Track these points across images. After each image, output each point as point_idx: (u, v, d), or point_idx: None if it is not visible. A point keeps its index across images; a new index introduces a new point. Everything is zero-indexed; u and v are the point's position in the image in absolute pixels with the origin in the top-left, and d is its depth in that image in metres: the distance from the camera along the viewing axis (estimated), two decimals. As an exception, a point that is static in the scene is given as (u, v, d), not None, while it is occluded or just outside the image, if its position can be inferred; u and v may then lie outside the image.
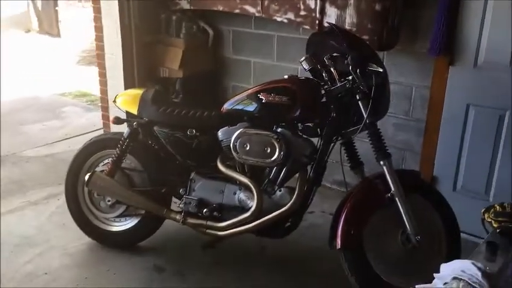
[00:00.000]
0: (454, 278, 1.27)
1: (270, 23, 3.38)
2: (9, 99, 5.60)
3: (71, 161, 2.73)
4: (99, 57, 3.89)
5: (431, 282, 1.36)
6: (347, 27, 2.80)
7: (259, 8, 3.17)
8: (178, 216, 2.50)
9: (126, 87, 3.58)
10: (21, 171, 3.75)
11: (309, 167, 2.31)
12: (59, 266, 2.60)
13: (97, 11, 3.73)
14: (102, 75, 3.90)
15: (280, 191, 2.34)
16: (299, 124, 2.30)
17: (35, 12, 10.22)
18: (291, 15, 3.05)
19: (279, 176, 2.32)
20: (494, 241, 1.49)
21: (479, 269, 1.27)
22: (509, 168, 2.70)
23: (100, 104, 4.22)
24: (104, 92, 3.98)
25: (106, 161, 2.66)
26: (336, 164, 2.53)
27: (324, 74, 2.22)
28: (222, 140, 2.36)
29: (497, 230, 1.61)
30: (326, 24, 2.84)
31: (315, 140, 2.30)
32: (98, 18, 3.75)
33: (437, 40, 2.69)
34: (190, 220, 2.48)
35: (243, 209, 2.38)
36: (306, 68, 2.26)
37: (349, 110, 2.22)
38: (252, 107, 2.28)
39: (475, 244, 2.22)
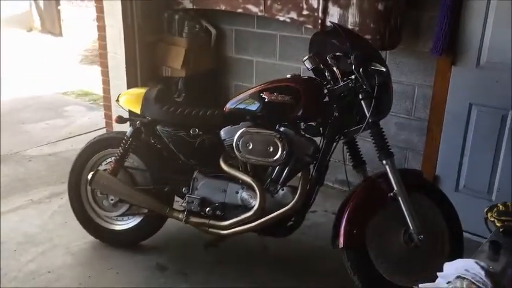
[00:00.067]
0: (458, 277, 1.27)
1: (272, 22, 3.39)
2: (12, 98, 5.61)
3: (74, 160, 2.74)
4: (101, 57, 3.90)
5: (434, 281, 1.36)
6: (349, 26, 2.81)
7: (261, 8, 3.17)
8: (180, 215, 2.50)
9: (129, 86, 3.58)
10: (24, 170, 3.76)
11: (311, 166, 2.32)
12: (62, 264, 2.61)
13: (100, 10, 3.74)
14: (105, 74, 3.90)
15: (282, 190, 2.34)
16: (302, 123, 2.30)
17: (37, 11, 10.22)
18: (293, 15, 3.05)
19: (282, 175, 2.33)
20: (497, 240, 1.49)
21: (482, 268, 1.27)
22: (512, 167, 2.71)
23: (102, 103, 4.23)
24: (106, 91, 3.99)
25: (109, 159, 2.67)
26: (338, 163, 2.53)
27: (326, 74, 2.23)
28: (224, 139, 2.37)
29: (501, 230, 1.62)
30: (329, 24, 2.84)
31: (317, 139, 2.31)
32: (100, 18, 3.75)
33: (440, 40, 2.69)
34: (193, 219, 2.48)
35: (246, 208, 2.39)
36: (309, 67, 2.27)
37: (351, 109, 2.22)
38: (254, 106, 2.29)
39: (477, 243, 2.22)
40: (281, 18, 3.12)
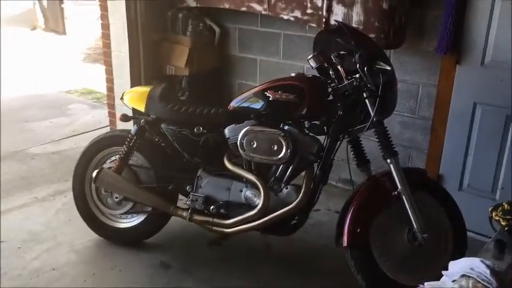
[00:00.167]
0: (463, 276, 1.28)
1: (276, 21, 3.38)
2: (15, 96, 5.63)
3: (79, 158, 2.74)
4: (105, 55, 3.91)
5: (439, 280, 1.37)
6: (354, 25, 2.80)
7: (265, 6, 3.17)
8: (185, 213, 2.51)
9: (133, 84, 3.59)
10: (28, 168, 3.77)
11: (315, 165, 2.32)
12: (66, 262, 2.61)
13: (104, 8, 3.74)
14: (109, 72, 3.91)
15: (286, 188, 2.34)
16: (306, 122, 2.31)
17: (40, 10, 10.25)
18: (297, 13, 3.05)
19: (286, 173, 2.33)
20: (502, 239, 1.49)
21: (487, 266, 1.27)
22: (516, 167, 2.70)
23: (106, 102, 4.24)
24: (110, 89, 3.99)
25: (113, 158, 2.68)
26: (342, 162, 2.54)
27: (331, 72, 2.22)
28: (229, 138, 2.37)
29: (506, 228, 1.62)
30: (333, 22, 2.84)
31: (321, 138, 2.31)
32: (104, 16, 3.76)
33: (445, 39, 2.68)
34: (197, 217, 2.49)
35: (250, 206, 2.39)
36: (313, 65, 2.26)
37: (356, 108, 2.22)
38: (259, 105, 2.29)
39: (480, 242, 2.22)
40: (285, 17, 3.12)
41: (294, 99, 2.21)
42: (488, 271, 1.26)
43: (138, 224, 2.71)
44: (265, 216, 2.33)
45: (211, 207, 2.44)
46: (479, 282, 1.24)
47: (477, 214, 2.15)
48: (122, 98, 2.68)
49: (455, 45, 2.73)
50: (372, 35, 2.71)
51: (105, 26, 3.78)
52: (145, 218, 2.70)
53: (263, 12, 3.22)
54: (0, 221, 2.97)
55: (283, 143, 2.23)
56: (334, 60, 2.19)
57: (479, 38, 2.72)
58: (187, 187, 2.53)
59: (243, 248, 2.75)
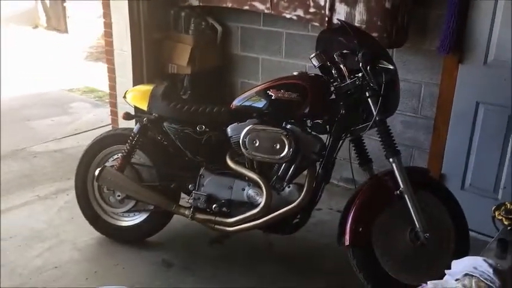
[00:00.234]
0: (466, 275, 1.28)
1: (278, 19, 3.38)
2: (17, 95, 5.63)
3: (81, 156, 2.75)
4: (108, 53, 3.91)
5: (441, 279, 1.37)
6: (356, 24, 2.80)
7: (268, 5, 3.17)
8: (187, 212, 2.51)
9: (135, 83, 3.59)
10: (30, 166, 3.78)
11: (317, 164, 2.32)
12: (69, 260, 2.62)
13: (106, 7, 3.75)
14: (111, 71, 3.92)
15: (288, 187, 2.34)
16: (308, 121, 2.31)
17: (42, 8, 10.25)
18: (300, 12, 3.05)
19: (288, 172, 2.33)
20: (505, 238, 1.49)
21: (490, 265, 1.27)
22: (518, 166, 2.70)
23: (108, 100, 4.24)
24: (112, 87, 4.00)
25: (116, 156, 2.68)
26: (344, 161, 2.54)
27: (333, 71, 2.22)
28: (231, 136, 2.37)
29: (508, 228, 1.62)
30: (335, 21, 2.84)
31: (324, 136, 2.31)
32: (107, 15, 3.76)
33: (447, 38, 2.68)
34: (199, 216, 2.49)
35: (252, 205, 2.39)
36: (316, 64, 2.26)
37: (358, 107, 2.22)
38: (261, 104, 2.29)
39: (483, 242, 2.23)
40: (287, 16, 3.12)
41: (296, 98, 2.22)
42: (491, 270, 1.26)
43: (140, 222, 2.71)
44: (267, 215, 2.33)
45: (214, 205, 2.45)
46: (482, 281, 1.24)
47: (479, 213, 2.15)
48: (124, 97, 2.68)
49: (458, 44, 2.73)
50: (374, 34, 2.70)
51: (108, 25, 3.78)
52: (147, 216, 2.70)
53: (265, 11, 3.22)
54: (0, 219, 2.98)
55: (286, 142, 2.23)
56: (336, 59, 2.19)
57: (482, 37, 2.72)
58: (190, 185, 2.53)
59: (245, 247, 2.75)
